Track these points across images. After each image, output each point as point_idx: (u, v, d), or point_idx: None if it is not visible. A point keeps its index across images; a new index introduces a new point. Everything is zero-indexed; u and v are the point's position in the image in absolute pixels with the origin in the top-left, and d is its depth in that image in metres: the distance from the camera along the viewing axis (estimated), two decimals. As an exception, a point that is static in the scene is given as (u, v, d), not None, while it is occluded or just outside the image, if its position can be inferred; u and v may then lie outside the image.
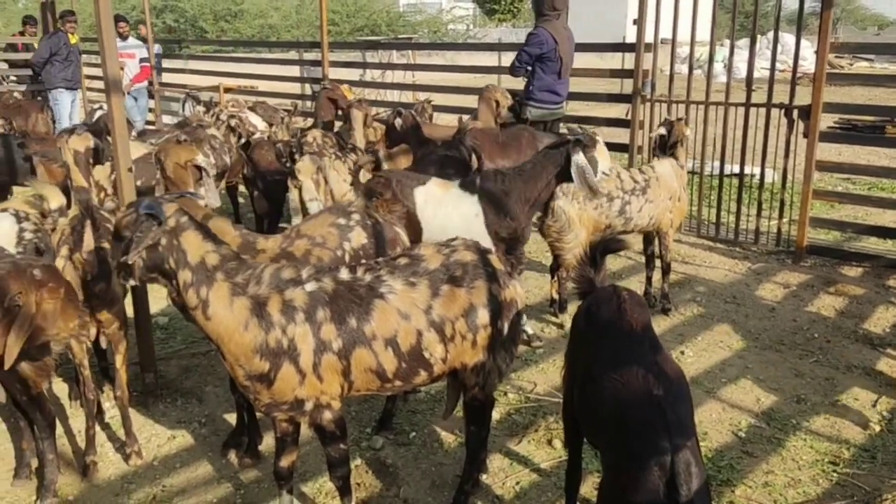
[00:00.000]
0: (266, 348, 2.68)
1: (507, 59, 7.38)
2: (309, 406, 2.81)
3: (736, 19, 7.61)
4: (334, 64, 10.64)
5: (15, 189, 7.12)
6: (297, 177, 4.84)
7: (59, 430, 3.68)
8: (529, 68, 6.76)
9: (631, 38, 7.95)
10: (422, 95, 10.97)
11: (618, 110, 10.99)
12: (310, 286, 2.79)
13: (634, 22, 7.41)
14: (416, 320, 2.85)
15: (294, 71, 14.65)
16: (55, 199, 4.17)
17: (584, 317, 2.81)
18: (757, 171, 7.14)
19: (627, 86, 10.40)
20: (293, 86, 14.66)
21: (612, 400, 2.38)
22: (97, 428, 3.66)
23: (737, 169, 7.20)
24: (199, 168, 5.23)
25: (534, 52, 6.64)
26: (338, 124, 7.84)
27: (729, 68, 7.39)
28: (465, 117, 8.48)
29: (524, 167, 4.50)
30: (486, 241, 4.38)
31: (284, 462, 3.03)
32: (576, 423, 2.81)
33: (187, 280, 2.65)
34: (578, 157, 4.26)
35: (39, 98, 11.06)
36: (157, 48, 12.59)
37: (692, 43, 7.29)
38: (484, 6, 40.32)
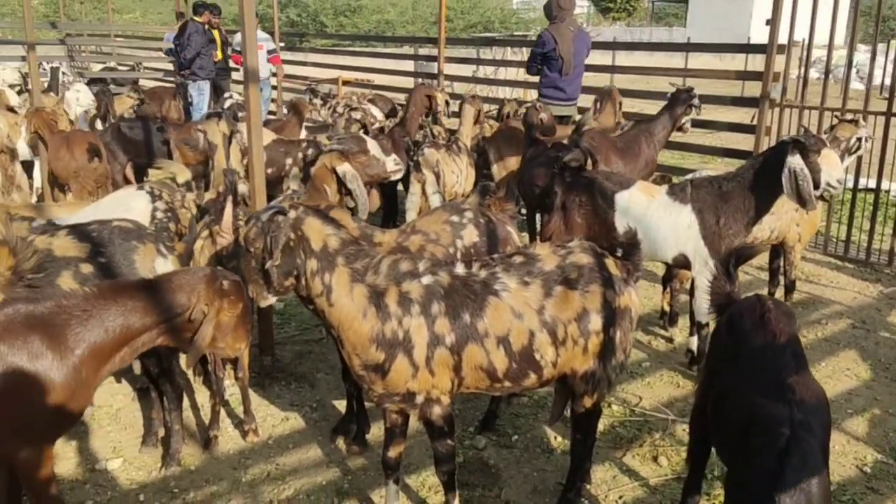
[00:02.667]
0: (382, 338, 2.73)
1: (620, 58, 7.37)
2: (420, 399, 2.84)
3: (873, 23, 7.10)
4: (449, 60, 10.72)
5: (150, 171, 7.64)
6: (422, 170, 4.91)
7: (185, 403, 3.91)
8: (539, 67, 7.31)
9: (756, 38, 7.58)
10: (533, 93, 10.89)
11: (739, 114, 10.49)
12: (426, 279, 2.82)
13: (767, 22, 7.06)
14: (529, 320, 2.82)
15: (408, 66, 14.91)
16: (182, 175, 4.45)
17: (726, 327, 2.71)
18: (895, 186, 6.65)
19: (749, 89, 9.89)
20: (406, 80, 14.93)
21: (745, 416, 2.28)
22: (217, 404, 3.87)
23: (872, 183, 6.73)
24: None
25: (537, 52, 7.22)
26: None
27: (870, 74, 6.92)
28: (578, 116, 8.41)
29: (743, 172, 4.23)
30: (701, 255, 4.25)
31: (392, 452, 3.09)
32: (705, 436, 2.71)
33: (314, 268, 2.72)
34: (794, 160, 3.89)
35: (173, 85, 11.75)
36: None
37: (830, 46, 6.86)
38: (598, 4, 39.53)
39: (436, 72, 10.38)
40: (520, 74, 15.44)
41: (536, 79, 7.52)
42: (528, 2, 33.56)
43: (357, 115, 6.27)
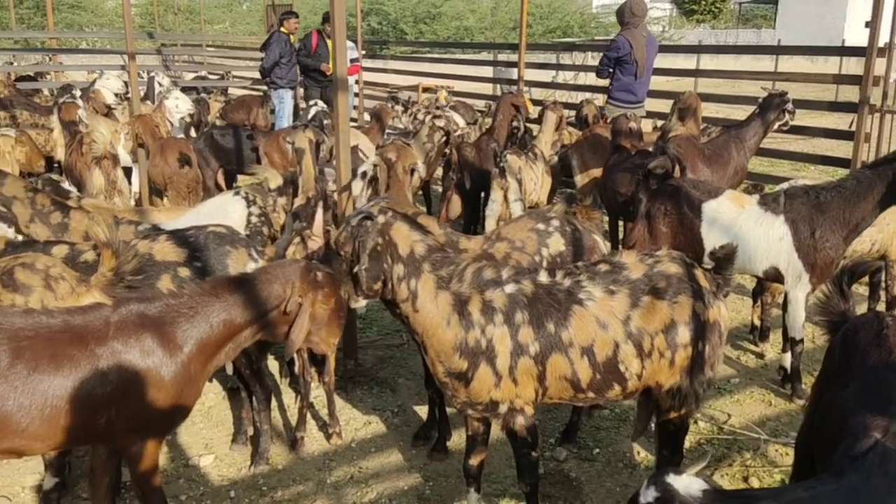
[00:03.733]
0: (465, 347, 2.73)
1: (706, 62, 7.35)
2: (503, 409, 2.82)
3: None
4: (529, 65, 10.68)
5: (240, 177, 7.93)
6: (506, 177, 4.91)
7: (272, 403, 4.03)
8: (611, 70, 7.51)
9: (851, 40, 7.23)
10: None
11: (832, 120, 10.03)
12: (509, 288, 2.80)
13: (867, 24, 6.73)
14: (614, 330, 2.77)
15: (487, 72, 14.94)
16: (274, 181, 4.60)
17: (840, 344, 2.58)
18: None
19: (843, 93, 9.44)
20: (484, 86, 14.97)
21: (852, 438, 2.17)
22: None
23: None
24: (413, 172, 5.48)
25: (612, 56, 7.40)
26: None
27: (983, 78, 6.49)
28: (660, 122, 8.25)
29: (844, 183, 4.07)
30: (794, 268, 4.12)
31: (474, 460, 3.09)
32: (811, 458, 2.59)
33: (400, 273, 2.75)
34: None
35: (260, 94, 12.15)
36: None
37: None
38: (682, 6, 38.54)
39: (515, 77, 10.36)
40: (600, 80, 15.27)
41: (605, 82, 7.76)
42: (608, 6, 33.08)
43: (441, 122, 6.31)
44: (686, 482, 2.20)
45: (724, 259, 3.01)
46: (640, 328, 2.78)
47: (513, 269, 2.92)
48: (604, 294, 2.81)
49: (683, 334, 2.80)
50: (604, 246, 3.85)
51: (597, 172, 6.63)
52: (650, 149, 5.88)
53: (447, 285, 2.77)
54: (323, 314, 2.87)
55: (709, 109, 10.39)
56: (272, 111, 10.88)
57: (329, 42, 10.77)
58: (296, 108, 11.23)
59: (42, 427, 2.45)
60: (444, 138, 6.81)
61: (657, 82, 14.28)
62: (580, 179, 6.85)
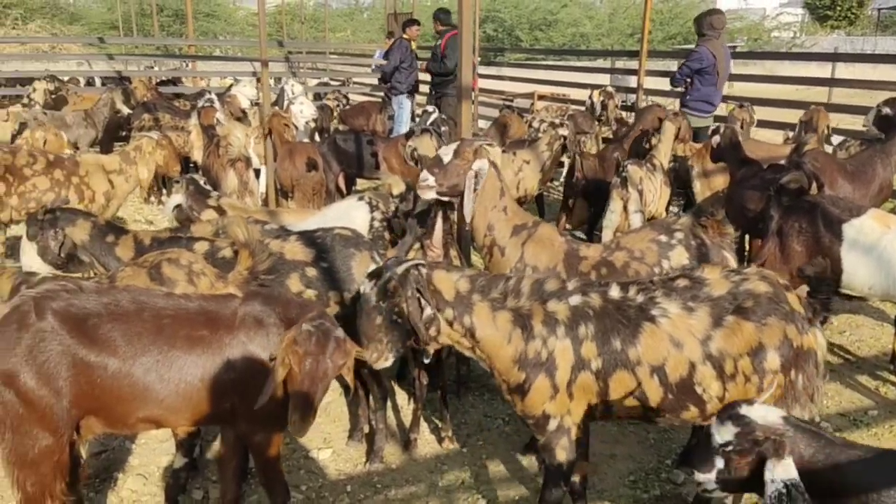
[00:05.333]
0: (524, 359, 2.68)
1: (841, 70, 7.12)
2: (552, 426, 2.75)
3: None
4: (650, 73, 10.40)
5: (359, 181, 8.17)
6: (628, 187, 4.82)
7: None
8: (689, 80, 7.72)
9: None
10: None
11: None
12: (574, 300, 2.73)
13: None
14: (691, 350, 2.63)
15: (603, 79, 14.67)
16: (397, 187, 4.70)
17: None
18: None
19: None
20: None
21: None
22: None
23: None
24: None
25: (693, 67, 7.58)
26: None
27: None
28: (791, 133, 7.88)
29: None
30: None
31: (576, 476, 3.02)
32: None
33: (450, 317, 2.72)
34: None
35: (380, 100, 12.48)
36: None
37: None
38: (816, 12, 36.38)
39: (634, 85, 10.12)
40: (724, 87, 14.68)
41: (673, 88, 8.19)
42: (733, 10, 31.76)
43: (564, 131, 6.27)
44: (762, 411, 2.11)
45: (817, 279, 2.81)
46: (721, 349, 2.62)
47: (580, 282, 2.84)
48: (681, 311, 2.67)
49: (773, 360, 2.62)
50: (734, 263, 3.70)
51: (719, 184, 6.37)
52: (782, 162, 5.59)
53: (503, 304, 2.73)
54: (291, 375, 2.52)
55: (844, 121, 9.78)
56: (390, 117, 11.14)
57: (412, 45, 10.96)
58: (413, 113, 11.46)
59: (177, 400, 2.64)
60: (563, 148, 6.76)
61: (785, 91, 13.65)
62: (700, 190, 6.61)
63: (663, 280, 2.83)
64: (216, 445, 3.76)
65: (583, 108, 9.83)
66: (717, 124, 6.62)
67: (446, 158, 3.65)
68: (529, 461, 3.73)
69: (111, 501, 3.39)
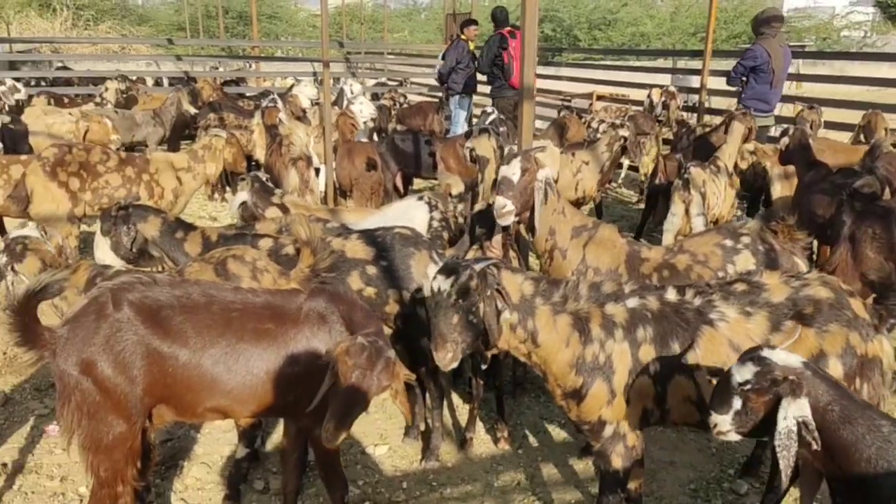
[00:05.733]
0: (582, 363, 2.64)
1: None
2: (608, 432, 2.70)
3: None
4: (713, 73, 10.16)
5: (416, 180, 8.22)
6: (689, 190, 4.73)
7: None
8: (744, 79, 7.71)
9: None
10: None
11: None
12: (632, 302, 2.68)
13: None
14: None
15: (664, 80, 14.39)
16: (456, 187, 4.72)
17: None
18: None
19: None
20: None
21: None
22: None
23: None
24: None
25: (748, 65, 7.59)
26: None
27: None
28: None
29: None
30: None
31: (633, 484, 2.97)
32: None
33: (514, 321, 2.65)
34: None
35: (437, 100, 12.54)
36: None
37: None
38: (888, 10, 34.91)
39: (696, 86, 9.91)
40: (791, 88, 14.22)
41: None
42: (800, 9, 30.78)
43: (624, 132, 6.18)
44: (782, 356, 2.10)
45: (882, 285, 2.70)
46: None
47: (636, 284, 2.79)
48: (739, 315, 2.61)
49: (835, 367, 2.53)
50: (805, 269, 3.59)
51: (786, 191, 6.20)
52: (855, 167, 5.39)
53: (563, 307, 2.69)
54: (336, 385, 2.55)
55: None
56: (447, 117, 11.17)
57: (471, 45, 10.88)
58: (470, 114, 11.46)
59: (242, 392, 2.71)
60: (622, 149, 6.67)
61: (855, 92, 13.14)
62: (779, 192, 6.42)
63: (721, 284, 2.78)
64: (275, 437, 3.85)
65: (641, 109, 9.69)
66: (785, 126, 6.45)
67: (514, 177, 3.59)
68: (586, 465, 3.70)
69: (176, 488, 3.51)
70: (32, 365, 2.64)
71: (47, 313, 3.04)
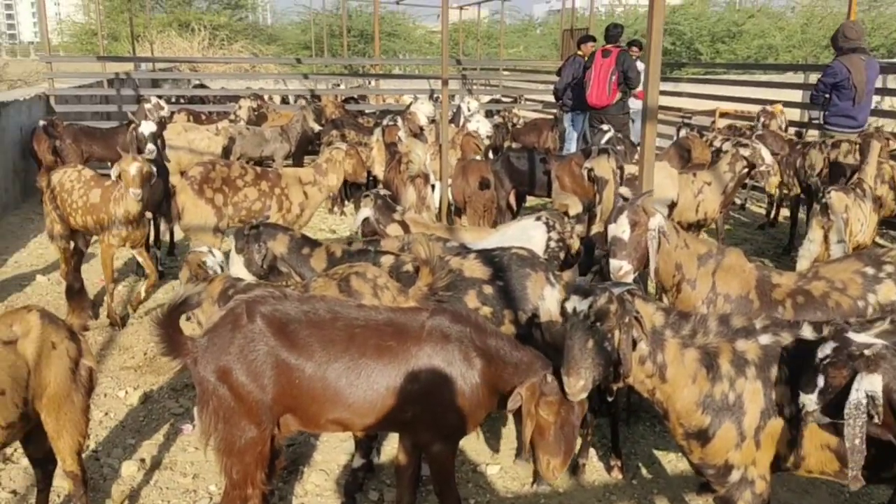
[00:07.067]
0: (710, 401, 2.52)
1: None
2: (735, 477, 2.56)
3: None
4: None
5: (529, 198, 8.21)
6: (830, 215, 4.48)
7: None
8: (827, 97, 7.53)
9: None
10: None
11: None
12: (764, 339, 2.54)
13: None
14: None
15: (794, 96, 13.66)
16: (574, 208, 4.69)
17: None
18: None
19: None
20: (791, 111, 13.69)
21: None
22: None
23: None
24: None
25: (828, 82, 7.44)
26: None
27: None
28: None
29: None
30: None
31: None
32: None
33: (644, 353, 2.55)
34: None
35: (552, 117, 12.48)
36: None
37: None
38: None
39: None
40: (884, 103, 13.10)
41: None
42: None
43: (746, 151, 5.91)
44: (864, 336, 2.17)
45: None
46: None
47: (768, 319, 2.64)
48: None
49: None
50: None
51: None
52: None
53: (692, 341, 2.58)
54: (544, 427, 2.72)
55: None
56: (561, 134, 11.09)
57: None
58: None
59: (364, 406, 2.80)
60: (746, 170, 6.39)
61: None
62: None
63: (861, 322, 2.62)
64: (388, 448, 3.94)
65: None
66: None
67: (625, 235, 3.44)
68: (705, 503, 3.56)
69: (297, 492, 3.66)
70: (170, 366, 2.85)
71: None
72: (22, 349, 2.82)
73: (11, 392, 2.75)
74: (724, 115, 11.92)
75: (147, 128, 6.74)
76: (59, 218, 5.73)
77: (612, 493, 3.67)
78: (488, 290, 3.78)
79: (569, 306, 2.53)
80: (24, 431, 2.90)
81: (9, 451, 3.80)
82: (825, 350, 2.16)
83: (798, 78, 17.26)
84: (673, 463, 3.94)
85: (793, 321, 2.69)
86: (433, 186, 7.92)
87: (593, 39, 11.24)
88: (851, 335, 2.15)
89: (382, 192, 5.06)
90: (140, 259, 5.91)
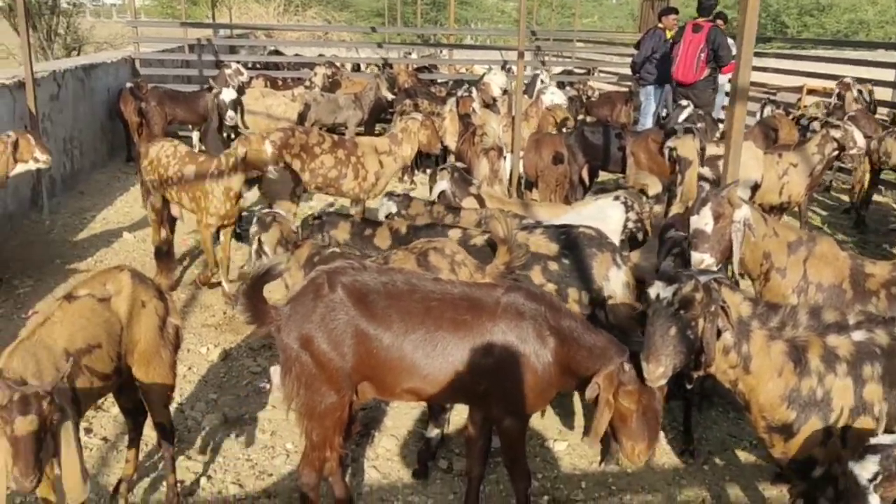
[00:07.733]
0: (797, 396, 2.46)
1: None
2: (818, 472, 2.49)
3: None
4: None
5: (602, 173, 8.06)
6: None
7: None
8: None
9: None
10: None
11: None
12: (858, 335, 2.46)
13: None
14: None
15: (887, 75, 12.91)
16: (654, 188, 4.59)
17: None
18: None
19: None
20: (884, 91, 12.97)
21: None
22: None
23: None
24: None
25: None
26: None
27: None
28: None
29: None
30: None
31: None
32: None
33: (728, 344, 2.50)
34: None
35: (627, 90, 12.18)
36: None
37: None
38: None
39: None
40: None
41: None
42: None
43: (837, 133, 5.64)
44: (891, 438, 2.03)
45: None
46: None
47: (863, 314, 2.56)
48: None
49: None
50: None
51: None
52: None
53: (780, 334, 2.51)
54: (625, 414, 2.71)
55: None
56: (636, 108, 10.81)
57: (668, 34, 10.19)
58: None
59: (438, 377, 2.85)
60: (836, 152, 6.11)
61: None
62: None
63: None
64: (457, 419, 4.00)
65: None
66: None
67: (707, 227, 3.32)
68: (779, 494, 3.50)
69: (369, 455, 3.77)
70: (249, 326, 2.95)
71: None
72: (115, 307, 2.97)
73: (107, 346, 2.91)
74: (811, 91, 11.39)
75: (228, 95, 6.89)
76: (154, 189, 5.72)
77: (682, 478, 3.65)
78: (553, 266, 3.77)
79: (652, 292, 2.51)
80: (118, 384, 3.06)
81: (100, 401, 4.03)
82: (870, 469, 1.98)
83: (890, 56, 16.32)
84: (745, 452, 3.87)
85: (888, 318, 2.60)
86: (504, 159, 7.88)
87: (676, 12, 10.85)
88: (882, 441, 2.00)
89: (459, 165, 5.06)
90: (223, 237, 5.65)
